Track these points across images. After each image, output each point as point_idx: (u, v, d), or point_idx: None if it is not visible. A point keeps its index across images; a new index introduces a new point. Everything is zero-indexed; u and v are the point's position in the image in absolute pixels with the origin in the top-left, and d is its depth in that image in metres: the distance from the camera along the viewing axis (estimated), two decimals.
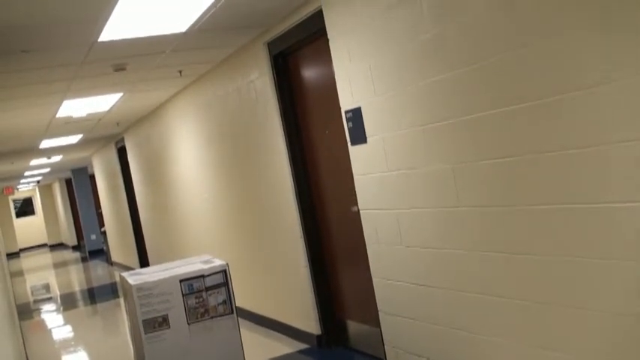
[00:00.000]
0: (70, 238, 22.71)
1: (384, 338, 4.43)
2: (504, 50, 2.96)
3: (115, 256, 14.78)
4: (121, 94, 6.99)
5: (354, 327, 5.09)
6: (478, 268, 3.40)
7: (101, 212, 16.29)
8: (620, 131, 2.51)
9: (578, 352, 2.89)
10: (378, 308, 4.41)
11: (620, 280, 2.63)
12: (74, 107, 7.09)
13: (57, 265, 18.39)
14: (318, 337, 5.39)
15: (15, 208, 26.46)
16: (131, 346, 4.62)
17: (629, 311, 2.61)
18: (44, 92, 6.01)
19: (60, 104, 6.73)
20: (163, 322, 4.17)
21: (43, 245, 26.14)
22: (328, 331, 5.35)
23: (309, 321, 5.48)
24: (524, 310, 3.14)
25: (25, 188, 25.31)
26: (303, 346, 5.54)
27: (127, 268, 12.95)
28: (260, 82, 5.53)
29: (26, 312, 10.65)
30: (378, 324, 4.48)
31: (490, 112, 3.12)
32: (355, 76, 4.15)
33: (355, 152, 4.32)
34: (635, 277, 2.56)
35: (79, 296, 11.90)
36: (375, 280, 4.38)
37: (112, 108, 7.78)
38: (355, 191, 4.40)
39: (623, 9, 2.44)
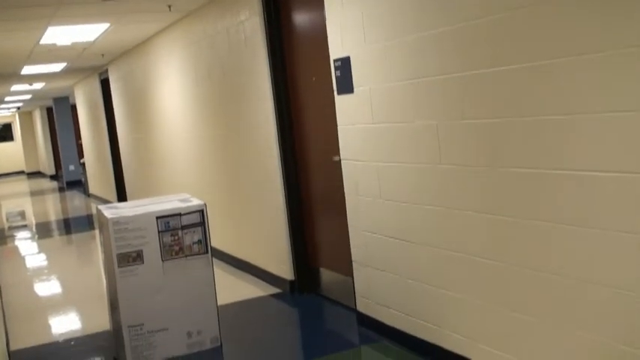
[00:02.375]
0: (49, 167, 22.56)
1: (355, 288, 4.48)
2: (500, 10, 2.93)
3: (93, 188, 14.73)
4: (107, 25, 6.86)
5: (327, 275, 5.14)
6: (455, 226, 3.42)
7: (81, 143, 16.16)
8: (608, 101, 2.51)
9: (544, 316, 2.94)
10: (352, 258, 4.45)
11: (592, 247, 2.66)
12: (59, 34, 6.95)
13: (34, 193, 18.31)
14: (290, 282, 5.45)
15: None
16: (104, 279, 4.64)
17: (599, 280, 2.65)
18: (29, 16, 5.88)
19: (44, 30, 6.59)
20: (137, 257, 4.18)
21: (21, 172, 25.96)
22: (301, 277, 5.40)
23: (282, 266, 5.53)
24: (497, 270, 3.19)
25: (5, 114, 24.96)
26: (275, 290, 5.59)
27: (105, 201, 12.92)
28: (250, 23, 5.44)
29: (0, 238, 10.63)
30: (350, 274, 4.53)
31: (480, 72, 3.10)
32: (347, 24, 4.09)
33: (341, 102, 4.29)
34: (608, 247, 2.59)
35: (54, 225, 11.89)
36: (351, 230, 4.41)
37: (97, 38, 7.64)
38: (338, 141, 4.39)
39: None
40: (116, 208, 4.44)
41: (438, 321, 3.68)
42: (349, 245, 4.46)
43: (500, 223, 3.12)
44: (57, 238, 10.53)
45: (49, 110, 21.50)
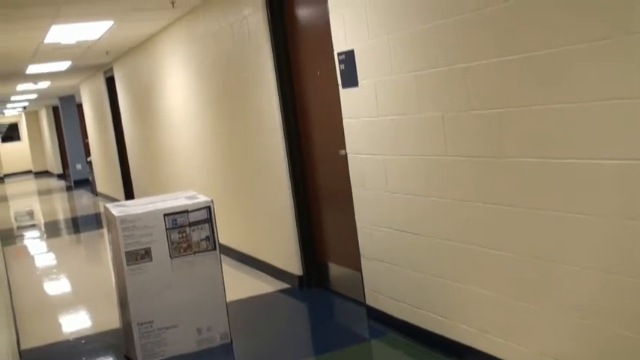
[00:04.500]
0: (56, 167, 22.62)
1: (364, 282, 4.48)
2: (502, 0, 2.92)
3: (101, 186, 14.76)
4: (111, 23, 6.86)
5: (335, 270, 5.14)
6: (462, 217, 3.41)
7: (88, 142, 16.18)
8: (610, 88, 2.49)
9: (553, 305, 2.93)
10: (360, 252, 4.44)
11: (599, 237, 2.64)
12: (63, 33, 6.95)
13: (41, 193, 18.37)
14: (299, 277, 5.44)
15: (0, 133, 26.23)
16: (113, 277, 4.65)
17: (606, 268, 2.64)
18: (32, 15, 5.88)
19: (48, 28, 6.59)
20: (146, 254, 4.19)
21: (28, 172, 26.04)
22: (310, 272, 5.40)
23: (291, 261, 5.53)
24: (505, 261, 3.18)
25: (11, 113, 25.03)
26: (284, 285, 5.60)
27: (112, 200, 12.95)
28: (253, 18, 5.43)
29: (9, 237, 10.67)
30: (359, 268, 4.52)
31: (482, 62, 3.08)
32: (350, 18, 4.08)
33: (346, 95, 4.28)
34: (613, 235, 2.58)
35: (62, 225, 11.92)
36: (358, 224, 4.40)
37: (101, 36, 7.64)
38: (344, 135, 4.38)
39: None
40: (124, 206, 4.44)
41: (447, 313, 3.67)
42: (357, 239, 4.45)
43: (508, 214, 3.10)
44: (65, 237, 10.56)
45: (55, 109, 21.54)
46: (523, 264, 3.07)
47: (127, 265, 4.15)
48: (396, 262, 4.06)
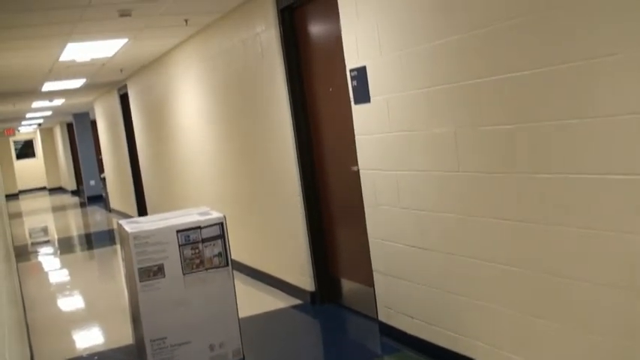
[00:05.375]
0: (70, 183, 22.76)
1: (376, 298, 4.46)
2: (511, 17, 2.92)
3: (114, 203, 14.83)
4: (125, 40, 6.92)
5: (347, 285, 5.13)
6: (475, 233, 3.40)
7: (101, 158, 16.29)
8: (624, 102, 2.48)
9: (565, 321, 2.91)
10: (373, 268, 4.43)
11: (610, 252, 2.63)
12: (78, 51, 7.02)
13: (55, 209, 18.47)
14: (311, 293, 5.43)
15: (15, 150, 26.45)
16: (126, 293, 4.65)
17: (617, 283, 2.62)
18: (48, 34, 5.95)
19: (63, 47, 6.66)
20: (159, 271, 4.19)
21: (43, 188, 26.21)
22: (322, 288, 5.39)
23: (303, 277, 5.52)
24: (519, 277, 3.16)
25: (27, 130, 25.24)
26: (296, 301, 5.59)
27: (125, 216, 13.00)
28: (266, 35, 5.47)
29: (23, 254, 10.72)
30: (371, 283, 4.51)
31: (494, 78, 3.08)
32: (362, 34, 4.10)
33: (358, 111, 4.29)
34: (624, 250, 2.56)
35: (76, 241, 11.97)
36: (371, 240, 4.40)
37: (116, 54, 7.72)
38: (356, 151, 4.39)
39: None
40: (137, 222, 4.46)
41: (461, 329, 3.65)
42: (369, 255, 4.44)
43: (521, 229, 3.09)
44: (79, 254, 10.60)
45: (70, 126, 21.70)
46: (536, 279, 3.05)
47: (140, 281, 4.16)
48: (409, 278, 4.04)
